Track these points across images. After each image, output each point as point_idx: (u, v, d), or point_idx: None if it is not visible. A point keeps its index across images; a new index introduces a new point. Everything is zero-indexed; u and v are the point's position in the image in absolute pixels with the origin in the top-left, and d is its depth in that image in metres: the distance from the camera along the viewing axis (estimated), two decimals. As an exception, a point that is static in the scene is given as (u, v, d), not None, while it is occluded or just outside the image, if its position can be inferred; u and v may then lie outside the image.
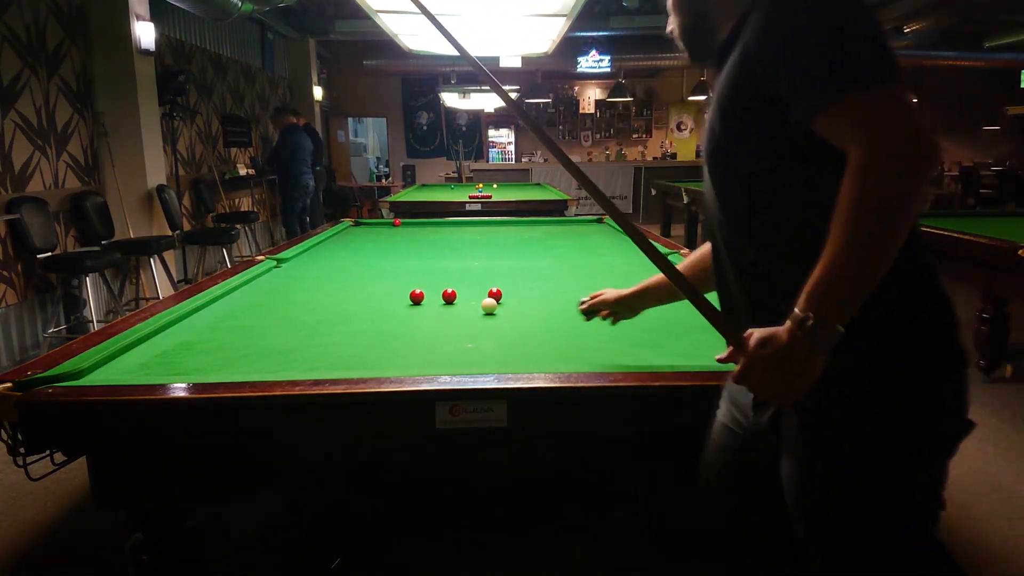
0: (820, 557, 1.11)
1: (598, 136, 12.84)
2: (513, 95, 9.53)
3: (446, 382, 1.41)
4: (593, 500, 2.51)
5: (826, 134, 0.96)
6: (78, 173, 5.10)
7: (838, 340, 0.93)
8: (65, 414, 1.37)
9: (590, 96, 12.75)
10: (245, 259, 3.01)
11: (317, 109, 10.38)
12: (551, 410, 1.43)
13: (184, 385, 1.43)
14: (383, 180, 12.21)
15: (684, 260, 1.54)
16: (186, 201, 6.63)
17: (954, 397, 1.06)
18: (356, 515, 2.46)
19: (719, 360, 1.05)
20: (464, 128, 12.64)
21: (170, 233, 5.64)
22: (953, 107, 11.52)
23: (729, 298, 1.17)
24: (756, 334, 0.98)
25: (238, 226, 6.80)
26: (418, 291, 2.26)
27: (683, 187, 8.10)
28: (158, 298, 4.80)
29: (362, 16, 4.47)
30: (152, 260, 5.25)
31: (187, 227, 6.44)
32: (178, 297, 2.23)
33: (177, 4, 5.24)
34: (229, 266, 5.64)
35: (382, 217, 5.36)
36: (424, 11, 1.09)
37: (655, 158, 12.39)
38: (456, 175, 10.63)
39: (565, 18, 3.46)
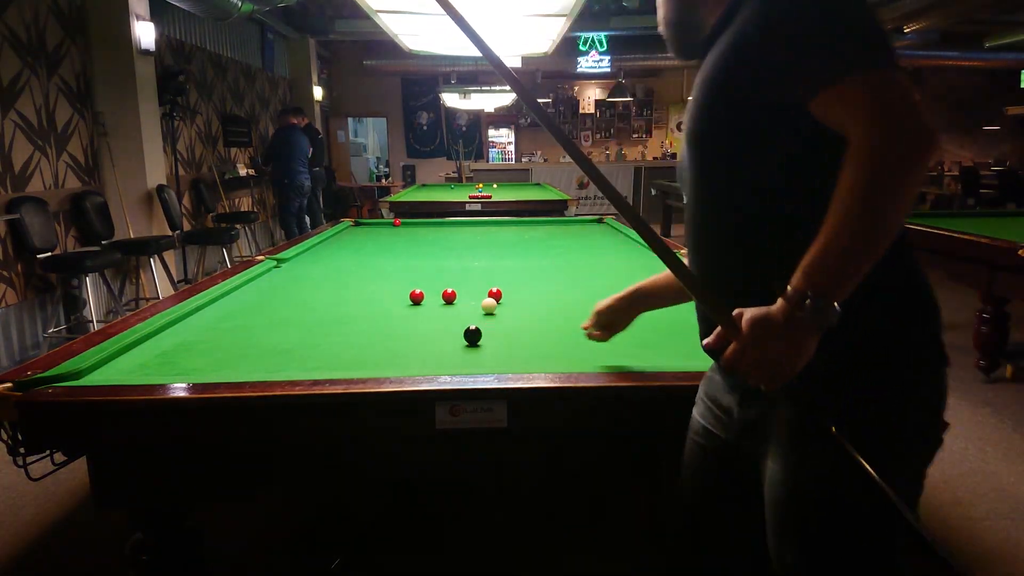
0: (797, 552, 1.09)
1: (598, 136, 12.84)
2: (513, 95, 9.53)
3: (446, 382, 1.41)
4: (593, 500, 2.51)
5: (823, 115, 0.96)
6: (78, 173, 5.10)
7: (836, 318, 0.92)
8: (65, 414, 1.36)
9: (590, 96, 12.75)
10: (245, 259, 3.01)
11: (317, 109, 10.39)
12: (551, 410, 1.43)
13: (184, 385, 1.43)
14: (383, 180, 12.21)
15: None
16: (186, 201, 6.64)
17: (931, 392, 1.06)
18: (356, 515, 2.46)
19: (707, 345, 1.03)
20: (464, 128, 12.65)
21: (170, 233, 5.64)
22: (953, 107, 11.53)
23: (708, 281, 1.14)
24: (748, 314, 0.95)
25: (238, 226, 6.80)
26: (418, 291, 2.26)
27: (683, 187, 8.09)
28: (158, 298, 4.80)
29: (362, 16, 4.47)
30: (152, 260, 5.25)
31: (187, 227, 6.45)
32: (178, 297, 2.23)
33: (177, 4, 5.24)
34: (229, 266, 5.64)
35: (382, 217, 5.36)
36: (447, 8, 1.08)
37: (655, 158, 12.40)
38: (456, 175, 10.63)
39: (565, 18, 3.46)
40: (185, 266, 6.32)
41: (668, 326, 1.91)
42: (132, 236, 5.29)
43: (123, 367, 1.60)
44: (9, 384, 1.37)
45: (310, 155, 8.02)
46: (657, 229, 8.54)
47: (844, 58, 0.94)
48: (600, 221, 4.42)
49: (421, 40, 4.18)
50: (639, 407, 1.43)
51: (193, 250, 6.44)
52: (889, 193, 0.90)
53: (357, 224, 4.50)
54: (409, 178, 12.03)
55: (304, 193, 8.00)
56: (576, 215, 5.34)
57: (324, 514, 2.47)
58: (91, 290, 4.59)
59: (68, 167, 4.98)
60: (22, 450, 1.35)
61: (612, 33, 9.48)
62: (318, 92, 10.40)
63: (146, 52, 5.40)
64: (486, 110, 11.34)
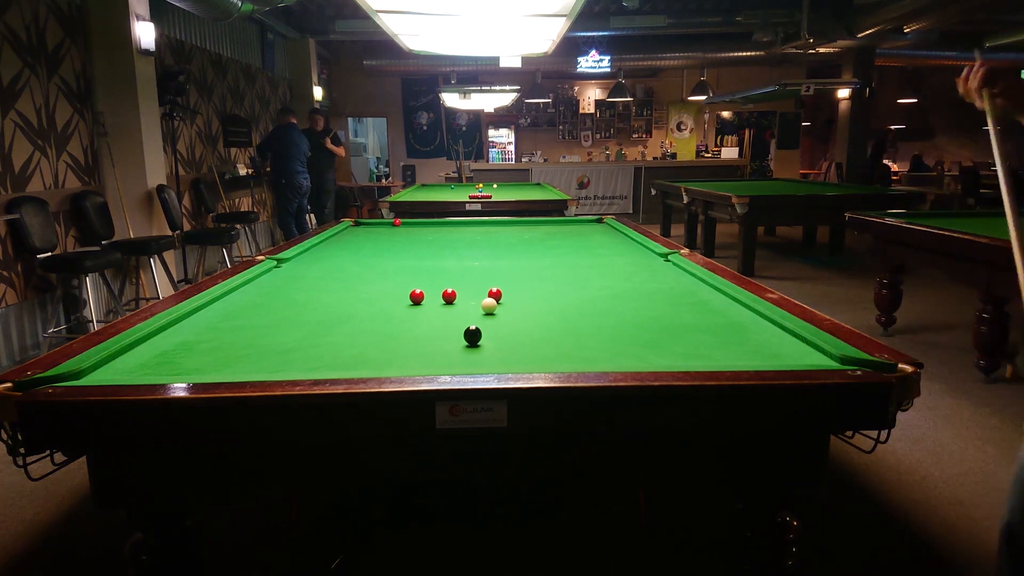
0: None
1: (598, 136, 12.85)
2: (513, 95, 9.54)
3: (446, 382, 1.41)
4: (593, 499, 2.51)
5: None
6: (78, 173, 5.10)
7: None
8: (65, 414, 1.36)
9: (590, 96, 12.76)
10: (245, 259, 3.01)
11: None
12: (551, 410, 1.43)
13: (184, 385, 1.43)
14: (383, 180, 12.22)
15: None
16: (186, 201, 6.64)
17: None
18: (356, 515, 2.46)
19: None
20: (464, 128, 12.66)
21: (170, 233, 5.64)
22: (953, 107, 11.54)
23: None
24: None
25: (238, 226, 6.80)
26: (418, 291, 2.26)
27: (683, 187, 8.09)
28: (158, 298, 4.80)
29: (362, 16, 4.47)
30: (152, 260, 5.25)
31: (187, 227, 6.45)
32: (178, 297, 2.23)
33: (177, 4, 5.24)
34: (229, 266, 5.64)
35: (382, 217, 5.36)
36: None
37: (655, 158, 12.41)
38: (456, 175, 10.64)
39: (565, 18, 3.46)
40: (185, 266, 6.32)
41: (668, 326, 1.91)
42: (132, 236, 5.29)
43: (123, 367, 1.60)
44: (9, 384, 1.37)
45: (309, 155, 8.02)
46: (657, 230, 8.41)
47: None
48: (600, 221, 4.42)
49: (421, 40, 4.18)
50: (639, 407, 1.43)
51: (193, 250, 6.44)
52: None
53: (357, 224, 4.50)
54: (409, 178, 12.04)
55: (303, 193, 7.99)
56: (576, 215, 5.34)
57: (324, 514, 2.47)
58: (91, 290, 4.59)
59: (68, 167, 4.98)
60: (22, 450, 1.35)
61: (612, 33, 9.48)
62: (318, 92, 10.40)
63: (146, 52, 5.40)
64: (486, 110, 11.35)
